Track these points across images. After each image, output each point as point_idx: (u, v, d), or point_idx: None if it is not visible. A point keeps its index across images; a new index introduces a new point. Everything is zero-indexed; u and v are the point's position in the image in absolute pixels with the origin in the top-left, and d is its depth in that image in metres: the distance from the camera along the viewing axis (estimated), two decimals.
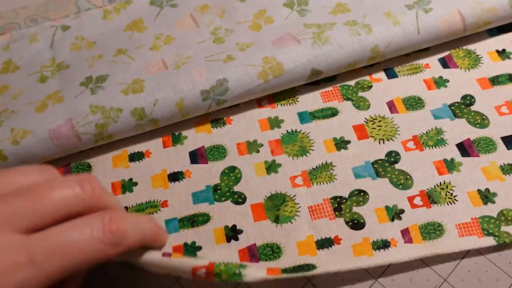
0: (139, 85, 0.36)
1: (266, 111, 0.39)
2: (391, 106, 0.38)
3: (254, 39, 0.40)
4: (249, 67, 0.37)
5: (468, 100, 0.38)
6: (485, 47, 0.41)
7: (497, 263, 0.31)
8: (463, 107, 0.38)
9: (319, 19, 0.41)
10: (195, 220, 0.34)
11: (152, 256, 0.28)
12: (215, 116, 0.39)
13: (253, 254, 0.32)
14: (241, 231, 0.33)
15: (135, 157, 0.37)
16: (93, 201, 0.26)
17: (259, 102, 0.39)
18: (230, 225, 0.33)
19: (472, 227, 0.32)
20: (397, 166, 0.35)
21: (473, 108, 0.38)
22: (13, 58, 0.42)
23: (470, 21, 0.39)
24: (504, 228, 0.32)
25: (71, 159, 0.37)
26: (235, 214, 0.34)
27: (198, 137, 0.38)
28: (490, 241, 0.32)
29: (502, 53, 0.41)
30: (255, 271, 0.28)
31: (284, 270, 0.30)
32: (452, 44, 0.41)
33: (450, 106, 0.38)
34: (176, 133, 0.38)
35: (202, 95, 0.36)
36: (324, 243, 0.32)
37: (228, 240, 0.33)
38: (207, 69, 0.37)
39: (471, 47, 0.41)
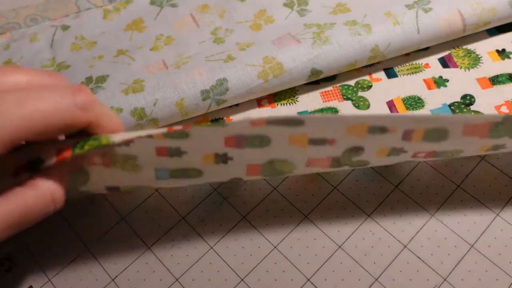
0: (139, 85, 0.36)
1: (266, 111, 0.39)
2: (391, 105, 0.38)
3: (254, 39, 0.40)
4: (249, 67, 0.37)
5: (468, 100, 0.38)
6: (484, 47, 0.41)
7: (497, 263, 0.31)
8: (462, 106, 0.38)
9: (319, 19, 0.41)
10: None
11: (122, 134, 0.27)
12: (215, 116, 0.39)
13: (240, 142, 0.28)
14: (231, 158, 0.29)
15: None
16: (80, 106, 0.25)
17: (258, 102, 0.39)
18: (221, 153, 0.29)
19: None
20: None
21: (473, 107, 0.38)
22: (13, 58, 0.42)
23: (470, 21, 0.39)
24: None
25: None
26: None
27: None
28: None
29: (502, 53, 0.41)
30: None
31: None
32: (451, 44, 0.41)
33: (450, 106, 0.38)
34: None
35: (202, 95, 0.36)
36: (316, 141, 0.28)
37: (217, 163, 0.29)
38: (207, 69, 0.37)
39: (470, 46, 0.41)
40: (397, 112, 0.38)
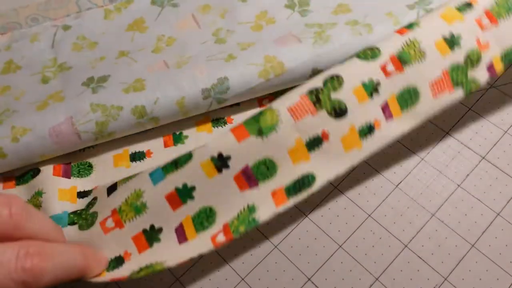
0: (139, 84, 0.36)
1: None
2: None
3: (256, 39, 0.40)
4: (251, 65, 0.37)
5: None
6: None
7: (497, 262, 0.31)
8: None
9: (321, 19, 0.41)
10: (177, 162, 0.31)
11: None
12: (216, 116, 0.39)
13: (249, 176, 0.31)
14: (229, 157, 0.31)
15: (136, 156, 0.37)
16: (11, 226, 0.23)
17: (260, 101, 0.39)
18: (215, 155, 0.31)
19: (443, 82, 0.32)
20: None
21: None
22: (14, 58, 0.42)
23: None
24: (470, 73, 0.33)
25: (71, 158, 0.37)
26: (216, 142, 0.31)
27: (199, 136, 0.38)
28: (459, 93, 0.32)
29: None
30: (264, 207, 0.29)
31: (287, 190, 0.30)
32: None
33: None
34: (177, 133, 0.38)
35: (203, 94, 0.36)
36: (314, 144, 0.31)
37: (219, 170, 0.31)
38: (208, 68, 0.37)
39: None
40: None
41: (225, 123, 0.38)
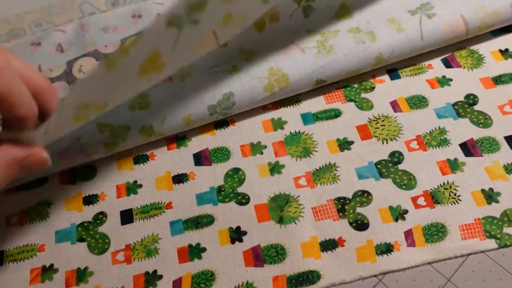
0: (143, 100, 0.36)
1: (270, 113, 0.39)
2: (395, 105, 0.38)
3: (258, 44, 0.40)
4: (255, 79, 0.37)
5: (471, 100, 0.38)
6: (488, 47, 0.41)
7: (501, 263, 0.31)
8: (466, 106, 0.38)
9: (322, 24, 0.40)
10: (199, 222, 0.34)
11: None
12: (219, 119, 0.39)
13: (258, 255, 0.32)
14: (245, 233, 0.33)
15: (140, 159, 0.37)
16: None
17: (263, 106, 0.39)
18: (234, 227, 0.33)
19: (474, 229, 0.32)
20: (400, 166, 0.35)
21: (476, 107, 0.38)
22: None
23: (473, 25, 0.39)
24: (506, 229, 0.32)
25: None
26: (239, 215, 0.34)
27: (202, 139, 0.38)
28: (491, 244, 0.32)
29: (505, 53, 0.41)
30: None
31: (289, 280, 0.31)
32: (454, 44, 0.41)
33: (453, 105, 0.38)
34: (180, 136, 0.38)
35: (209, 110, 0.36)
36: (328, 245, 0.32)
37: (233, 242, 0.33)
38: (212, 82, 0.37)
39: (474, 47, 0.41)
40: (401, 111, 0.38)
41: (227, 125, 0.38)
